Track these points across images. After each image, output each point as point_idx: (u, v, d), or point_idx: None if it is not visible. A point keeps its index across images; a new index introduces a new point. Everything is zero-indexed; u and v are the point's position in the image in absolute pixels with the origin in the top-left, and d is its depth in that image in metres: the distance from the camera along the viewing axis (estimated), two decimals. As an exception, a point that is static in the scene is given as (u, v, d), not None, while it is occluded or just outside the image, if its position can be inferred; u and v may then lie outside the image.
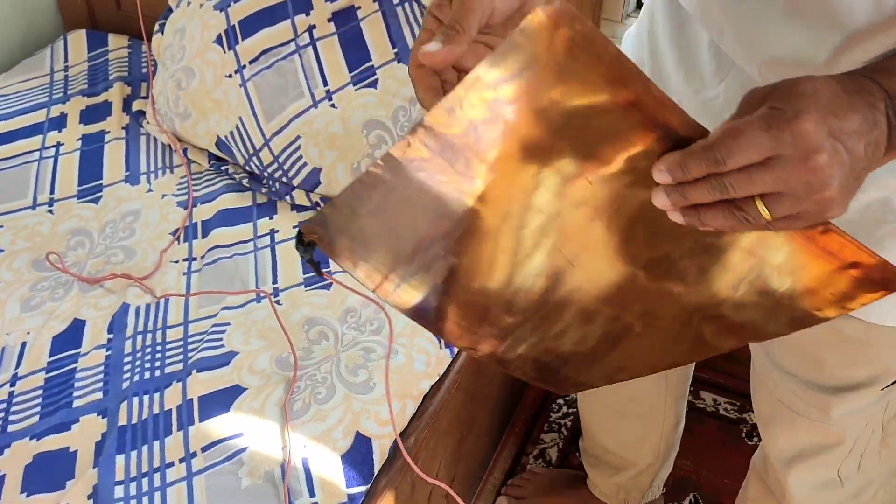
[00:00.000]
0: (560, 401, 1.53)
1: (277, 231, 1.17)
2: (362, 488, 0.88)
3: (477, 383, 1.17)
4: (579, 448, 1.35)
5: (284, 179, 1.22)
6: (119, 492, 0.85)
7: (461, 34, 0.51)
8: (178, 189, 1.26)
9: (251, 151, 1.23)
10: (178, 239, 1.17)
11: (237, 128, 1.23)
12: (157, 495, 0.85)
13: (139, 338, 1.02)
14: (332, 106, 1.18)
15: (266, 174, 1.23)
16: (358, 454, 0.90)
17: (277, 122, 1.20)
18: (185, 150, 1.31)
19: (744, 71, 0.69)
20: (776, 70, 0.64)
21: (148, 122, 1.35)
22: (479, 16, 0.52)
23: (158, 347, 1.01)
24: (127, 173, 1.28)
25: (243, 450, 0.88)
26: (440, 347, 1.03)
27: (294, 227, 1.17)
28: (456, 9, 0.52)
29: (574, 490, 1.35)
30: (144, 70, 1.44)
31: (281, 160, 1.20)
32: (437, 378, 1.02)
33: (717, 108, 0.72)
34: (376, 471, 0.91)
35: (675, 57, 0.77)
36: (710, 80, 0.73)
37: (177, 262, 1.13)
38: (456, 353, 1.05)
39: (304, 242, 0.55)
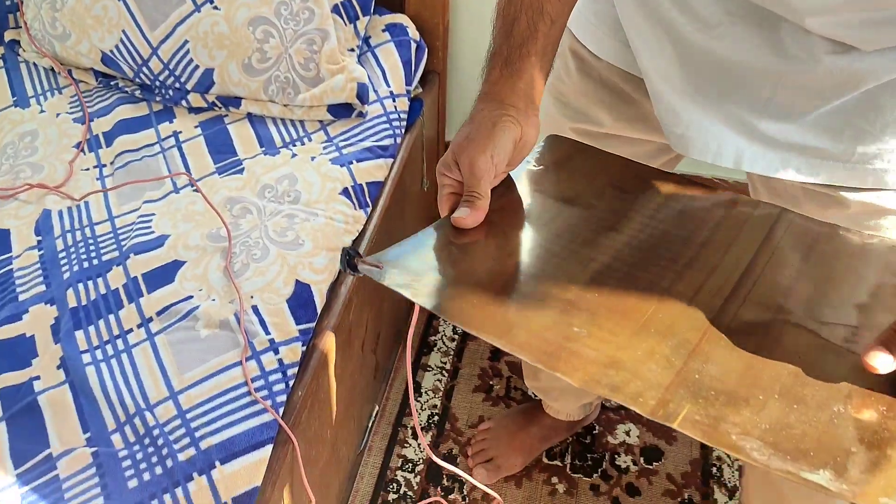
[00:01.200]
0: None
1: (180, 132, 1.24)
2: (310, 325, 0.99)
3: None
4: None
5: (177, 85, 1.27)
6: (87, 358, 0.92)
7: (481, 199, 0.65)
8: (71, 107, 1.29)
9: (140, 62, 1.27)
10: (82, 150, 1.21)
11: (122, 41, 1.27)
12: (125, 356, 0.92)
13: (68, 236, 1.07)
14: (215, 8, 1.24)
15: (158, 83, 1.28)
16: (300, 298, 1.00)
17: (162, 30, 1.25)
18: (69, 71, 1.33)
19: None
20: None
21: (24, 50, 1.36)
22: (488, 179, 0.66)
23: (90, 241, 1.06)
24: (14, 98, 1.29)
25: (196, 307, 0.97)
26: (355, 208, 1.14)
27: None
28: (468, 178, 0.66)
29: (534, 421, 1.34)
30: (9, 2, 1.43)
31: (171, 66, 1.26)
32: (357, 234, 1.13)
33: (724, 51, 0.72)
34: (319, 310, 1.01)
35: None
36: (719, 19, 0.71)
37: (87, 169, 1.18)
38: (370, 211, 1.17)
39: (352, 265, 0.65)
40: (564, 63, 0.91)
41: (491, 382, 1.47)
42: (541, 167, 0.77)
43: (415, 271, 0.66)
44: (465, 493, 1.31)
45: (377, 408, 1.41)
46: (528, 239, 0.71)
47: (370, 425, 1.38)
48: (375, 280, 0.64)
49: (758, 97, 0.73)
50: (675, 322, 0.63)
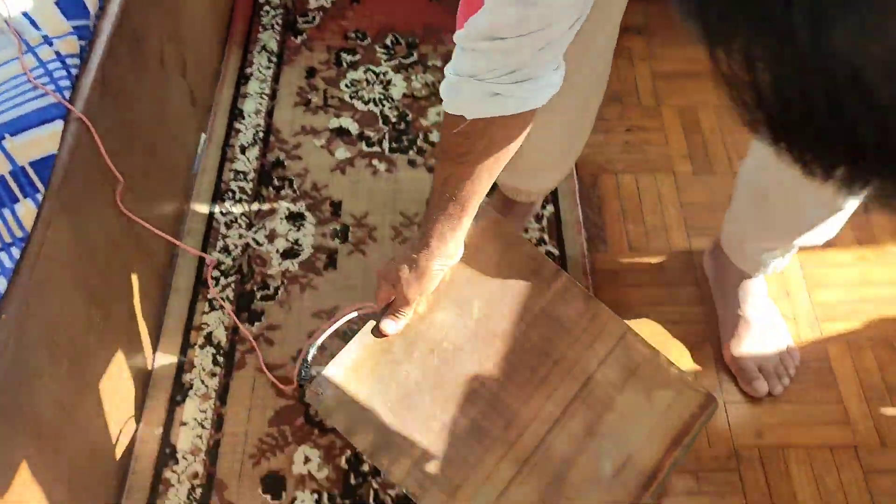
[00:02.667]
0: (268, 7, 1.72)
1: None
2: (84, 21, 1.04)
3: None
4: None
5: None
6: None
7: (406, 317, 0.98)
8: None
9: None
10: None
11: None
12: None
13: None
14: None
15: None
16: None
17: None
18: None
19: None
20: None
21: None
22: (415, 303, 0.97)
23: None
24: None
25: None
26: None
27: None
28: (400, 302, 0.96)
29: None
30: None
31: None
32: None
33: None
34: (93, 10, 1.06)
35: None
36: None
37: None
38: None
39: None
40: None
41: (308, 97, 1.56)
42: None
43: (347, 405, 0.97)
44: (297, 187, 1.43)
45: (204, 135, 1.49)
46: (420, 352, 1.00)
47: (199, 151, 1.46)
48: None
49: None
50: (508, 450, 0.95)
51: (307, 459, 1.14)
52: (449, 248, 0.92)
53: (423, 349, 0.99)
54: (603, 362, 0.99)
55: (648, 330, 1.26)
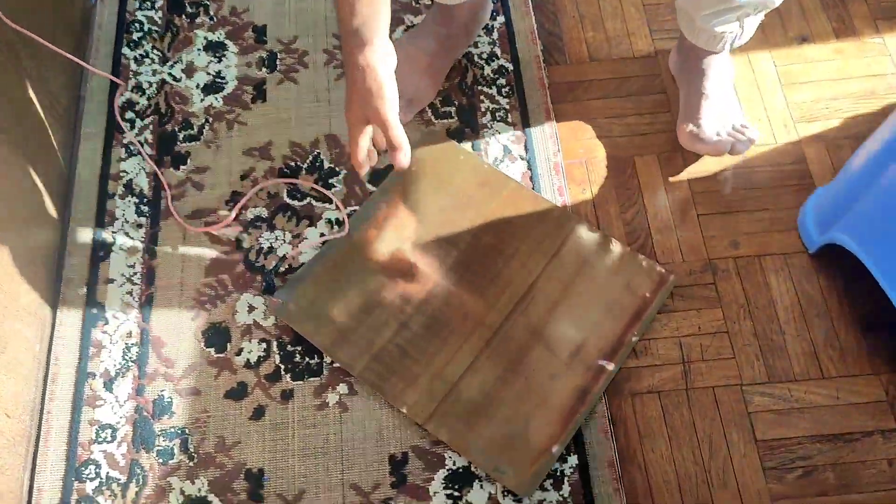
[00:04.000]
0: None
1: None
2: None
3: None
4: None
5: None
6: None
7: (400, 134, 0.86)
8: None
9: None
10: None
11: None
12: None
13: None
14: None
15: None
16: None
17: None
18: None
19: None
20: None
21: None
22: (395, 112, 0.86)
23: None
24: None
25: None
26: None
27: None
28: (380, 124, 0.85)
29: (433, 37, 1.17)
30: None
31: None
32: None
33: None
34: None
35: None
36: None
37: None
38: None
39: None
40: None
41: None
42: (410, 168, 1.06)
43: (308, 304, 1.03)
44: (213, 13, 1.26)
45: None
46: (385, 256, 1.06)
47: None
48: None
49: None
50: (464, 342, 0.99)
51: (251, 308, 1.04)
52: (379, 37, 0.82)
53: (379, 261, 1.05)
54: (556, 255, 1.05)
55: (613, 147, 1.15)
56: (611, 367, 0.98)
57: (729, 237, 1.08)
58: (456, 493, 0.93)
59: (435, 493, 0.93)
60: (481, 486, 0.93)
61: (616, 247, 1.06)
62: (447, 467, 0.94)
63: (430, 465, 0.94)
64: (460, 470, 0.94)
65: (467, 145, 1.14)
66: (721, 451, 0.96)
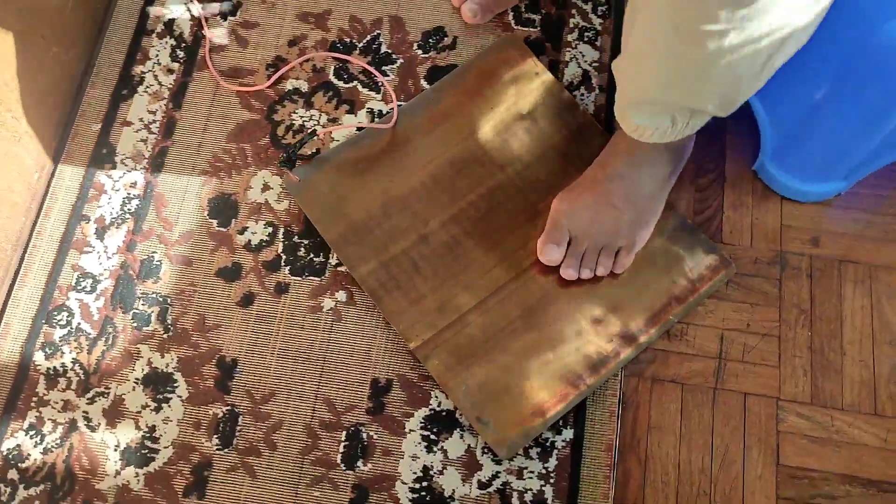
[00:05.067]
0: None
1: None
2: None
3: None
4: None
5: None
6: None
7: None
8: None
9: None
10: None
11: None
12: None
13: None
14: None
15: None
16: None
17: None
18: None
19: None
20: None
21: None
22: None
23: None
24: None
25: None
26: None
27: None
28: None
29: None
30: None
31: None
32: None
33: None
34: None
35: None
36: None
37: None
38: None
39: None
40: None
41: None
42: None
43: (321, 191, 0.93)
44: None
45: None
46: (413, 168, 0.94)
47: None
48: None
49: None
50: (484, 274, 0.89)
51: (266, 187, 0.95)
52: None
53: (416, 164, 0.94)
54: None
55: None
56: (640, 340, 0.86)
57: (811, 232, 0.94)
58: (433, 437, 0.84)
59: (411, 430, 0.85)
60: (461, 437, 0.84)
61: (677, 216, 0.92)
62: (430, 407, 0.86)
63: (414, 399, 0.86)
64: (444, 413, 0.85)
65: (544, 60, 1.00)
66: (735, 465, 0.84)
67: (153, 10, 1.04)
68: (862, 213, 0.95)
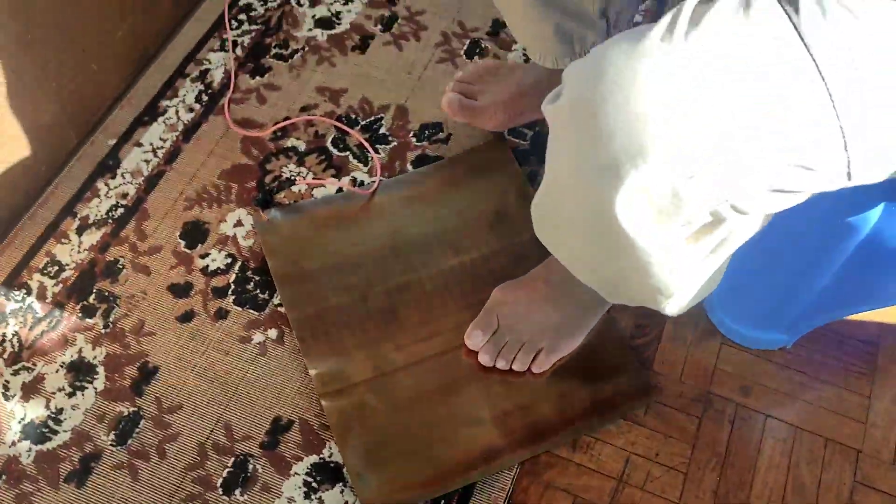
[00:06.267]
0: None
1: None
2: None
3: None
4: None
5: None
6: None
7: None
8: None
9: None
10: None
11: None
12: None
13: None
14: None
15: None
16: None
17: None
18: None
19: None
20: None
21: None
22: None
23: None
24: None
25: None
26: None
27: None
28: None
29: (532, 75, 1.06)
30: None
31: None
32: None
33: None
34: None
35: None
36: None
37: None
38: None
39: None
40: None
41: None
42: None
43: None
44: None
45: None
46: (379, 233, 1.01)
47: None
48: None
49: None
50: (410, 343, 0.93)
51: (239, 223, 1.02)
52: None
53: (376, 233, 1.00)
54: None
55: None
56: (540, 444, 0.86)
57: (744, 380, 0.93)
58: (314, 485, 0.85)
59: (295, 473, 0.85)
60: (342, 492, 0.84)
61: (616, 332, 0.93)
62: (321, 455, 0.86)
63: (308, 445, 0.87)
64: (332, 465, 0.86)
65: (525, 169, 1.06)
66: (608, 591, 0.81)
67: (199, 56, 1.16)
68: (799, 375, 0.94)
